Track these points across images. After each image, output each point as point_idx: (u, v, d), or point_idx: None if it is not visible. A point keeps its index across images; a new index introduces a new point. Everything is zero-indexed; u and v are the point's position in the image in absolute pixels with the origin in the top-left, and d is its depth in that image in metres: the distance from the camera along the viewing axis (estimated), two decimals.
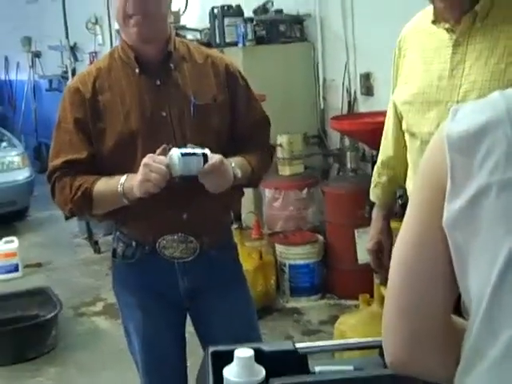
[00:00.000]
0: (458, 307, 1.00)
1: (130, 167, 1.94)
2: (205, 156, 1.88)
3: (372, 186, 2.26)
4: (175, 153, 1.86)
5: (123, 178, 1.92)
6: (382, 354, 1.48)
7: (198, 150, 1.89)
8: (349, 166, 4.46)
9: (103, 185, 1.97)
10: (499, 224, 0.85)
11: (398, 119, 2.05)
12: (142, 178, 1.85)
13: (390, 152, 2.14)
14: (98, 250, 5.64)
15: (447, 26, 1.79)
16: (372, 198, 2.26)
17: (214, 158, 1.89)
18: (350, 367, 1.44)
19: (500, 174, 0.85)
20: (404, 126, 1.99)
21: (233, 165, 1.97)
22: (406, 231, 0.97)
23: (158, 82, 2.02)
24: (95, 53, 7.56)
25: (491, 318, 0.86)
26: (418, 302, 0.95)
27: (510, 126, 0.86)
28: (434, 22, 1.81)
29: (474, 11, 1.74)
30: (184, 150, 1.87)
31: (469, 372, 0.90)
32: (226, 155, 1.95)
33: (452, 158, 0.89)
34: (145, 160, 1.86)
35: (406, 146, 2.03)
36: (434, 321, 0.96)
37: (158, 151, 1.87)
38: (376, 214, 2.25)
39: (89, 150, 2.00)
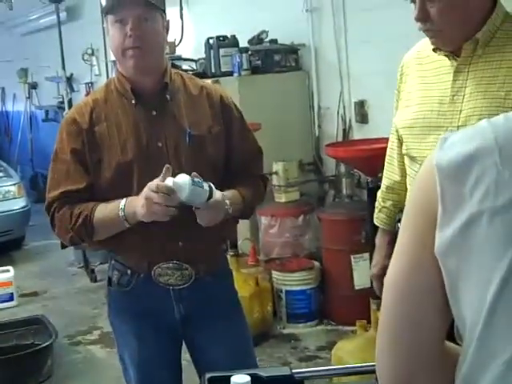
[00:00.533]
0: (452, 333, 1.01)
1: (127, 196, 1.96)
2: (210, 190, 1.90)
3: (376, 211, 2.25)
4: (186, 179, 1.86)
5: (122, 203, 1.94)
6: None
7: (205, 184, 1.90)
8: (344, 192, 4.48)
9: (103, 210, 1.98)
10: (491, 250, 0.86)
11: (401, 143, 2.07)
12: (146, 212, 1.86)
13: (396, 177, 2.14)
14: (94, 279, 5.63)
15: (448, 52, 1.81)
16: (376, 222, 2.25)
17: (217, 194, 1.92)
18: None
19: (491, 201, 0.86)
20: (404, 150, 2.00)
21: (227, 202, 1.98)
22: (398, 256, 0.98)
23: (154, 113, 2.04)
24: (91, 83, 7.62)
25: (486, 344, 0.87)
26: (409, 329, 0.95)
27: (499, 154, 0.87)
28: (434, 50, 1.84)
29: (475, 39, 1.75)
30: (194, 178, 1.87)
31: None
32: (221, 186, 1.98)
33: (442, 185, 0.90)
34: (146, 193, 1.86)
35: None
36: (426, 348, 0.95)
37: (162, 175, 1.87)
38: (380, 239, 2.24)
39: (86, 180, 2.02)
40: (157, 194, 1.83)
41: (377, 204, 2.26)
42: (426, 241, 0.92)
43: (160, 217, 1.87)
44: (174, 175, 1.89)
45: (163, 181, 1.87)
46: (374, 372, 1.49)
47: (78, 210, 1.98)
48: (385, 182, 2.21)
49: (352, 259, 3.86)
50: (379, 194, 2.26)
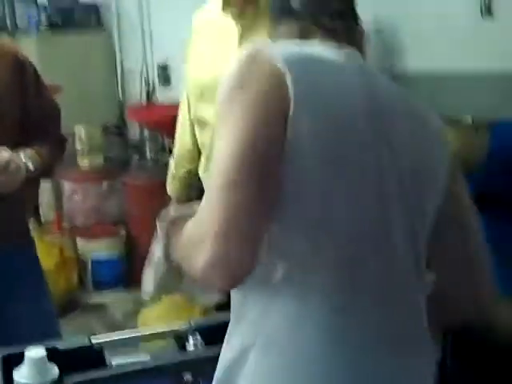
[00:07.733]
0: None
1: None
2: None
3: (169, 180, 2.22)
4: None
5: None
6: (177, 341, 1.51)
7: None
8: (148, 156, 4.45)
9: None
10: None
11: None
12: None
13: (188, 145, 2.12)
14: None
15: (233, 16, 1.83)
16: (169, 191, 2.23)
17: (7, 154, 1.83)
18: (147, 357, 1.44)
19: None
20: (193, 115, 2.00)
21: (23, 159, 1.91)
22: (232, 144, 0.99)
23: None
24: None
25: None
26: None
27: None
28: (223, 9, 1.85)
29: (258, 3, 1.78)
30: None
31: None
32: (16, 148, 1.90)
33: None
34: None
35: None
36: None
37: None
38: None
39: None
40: None
41: (169, 173, 2.22)
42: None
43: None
44: None
45: None
46: (174, 335, 1.51)
47: None
48: (177, 150, 2.18)
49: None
50: (172, 162, 2.21)
